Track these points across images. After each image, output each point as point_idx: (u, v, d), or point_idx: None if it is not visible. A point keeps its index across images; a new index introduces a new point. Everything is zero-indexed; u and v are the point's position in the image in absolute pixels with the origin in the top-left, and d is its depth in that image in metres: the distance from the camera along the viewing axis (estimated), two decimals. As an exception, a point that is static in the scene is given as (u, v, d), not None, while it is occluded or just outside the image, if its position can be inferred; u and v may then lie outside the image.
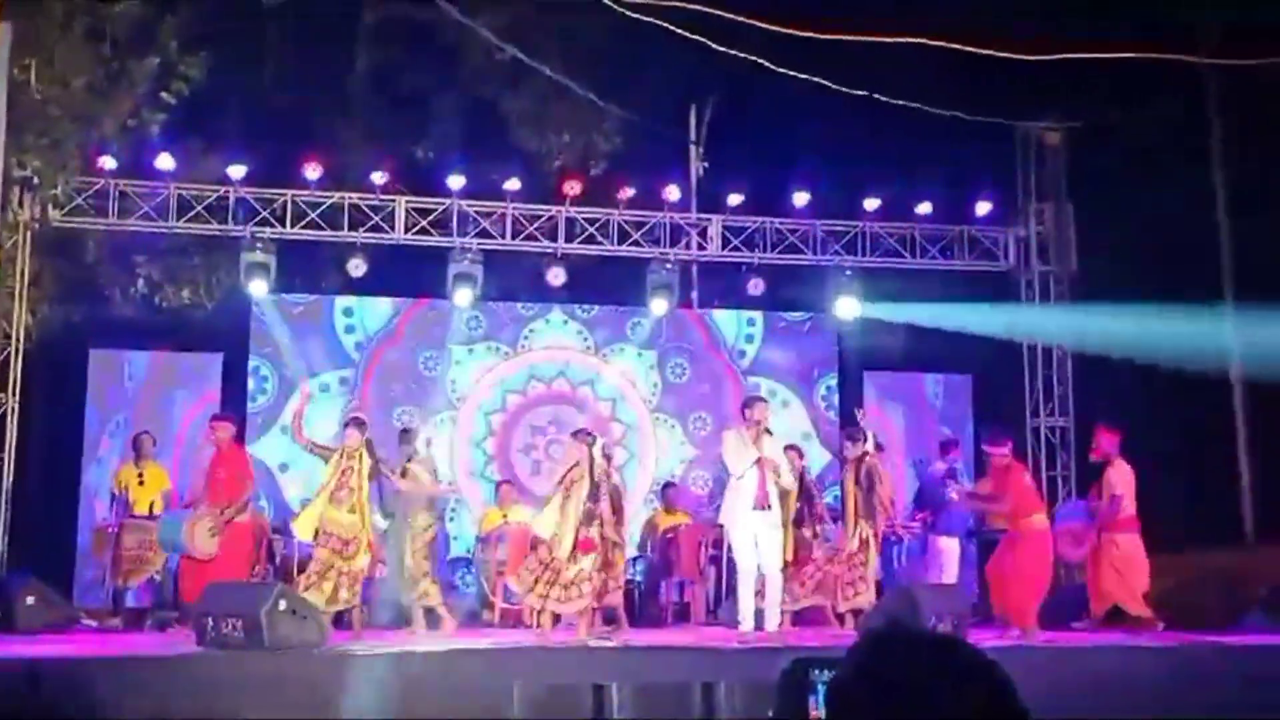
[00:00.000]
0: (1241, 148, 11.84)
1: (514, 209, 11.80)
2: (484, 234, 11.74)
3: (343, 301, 12.62)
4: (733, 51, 9.61)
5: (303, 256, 12.19)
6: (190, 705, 6.45)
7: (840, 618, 9.37)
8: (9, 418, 10.73)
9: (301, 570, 10.25)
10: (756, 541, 8.70)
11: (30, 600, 9.11)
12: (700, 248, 12.27)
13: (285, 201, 11.40)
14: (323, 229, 11.55)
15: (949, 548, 10.66)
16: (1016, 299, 12.55)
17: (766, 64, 9.81)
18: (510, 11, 13.74)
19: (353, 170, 12.06)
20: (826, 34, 9.42)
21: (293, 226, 11.43)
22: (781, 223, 12.16)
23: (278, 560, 10.78)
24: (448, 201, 11.69)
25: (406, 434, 10.29)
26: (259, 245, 11.28)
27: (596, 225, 11.94)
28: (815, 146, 12.31)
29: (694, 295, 13.80)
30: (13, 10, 9.33)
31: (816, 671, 2.11)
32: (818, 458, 12.03)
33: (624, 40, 12.69)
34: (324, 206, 11.48)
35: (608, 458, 9.18)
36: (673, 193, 11.99)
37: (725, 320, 13.24)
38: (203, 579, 8.63)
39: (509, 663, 7.50)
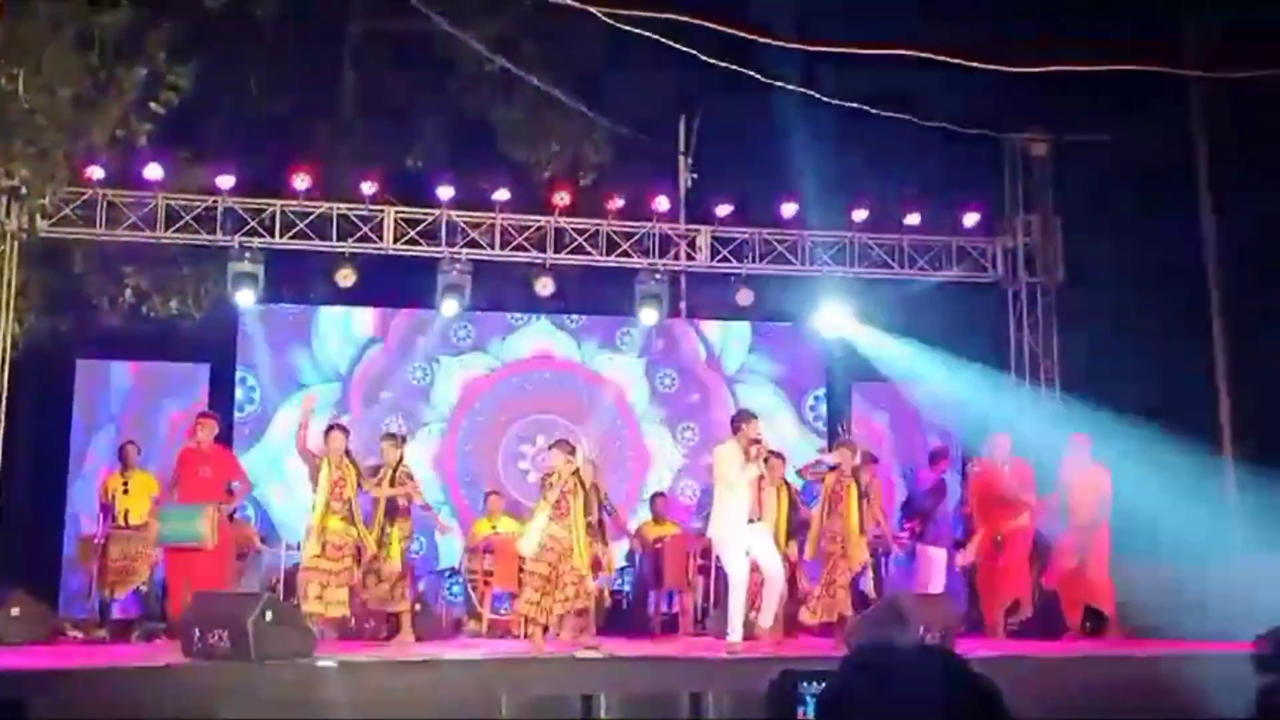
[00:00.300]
0: (1227, 159, 11.91)
1: (503, 219, 11.80)
2: (473, 244, 11.73)
3: (331, 311, 12.60)
4: (722, 63, 9.64)
5: (291, 266, 12.17)
6: (177, 716, 6.42)
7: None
8: (-5, 428, 10.68)
9: (288, 580, 10.26)
10: (750, 552, 8.71)
11: (15, 612, 9.05)
12: (689, 258, 12.28)
13: (274, 211, 11.37)
14: (311, 239, 11.53)
15: (937, 557, 10.68)
16: (1004, 310, 12.59)
17: (755, 75, 9.85)
18: (500, 23, 13.78)
19: (341, 180, 12.05)
20: (815, 46, 9.46)
21: (281, 236, 11.40)
22: (770, 233, 12.18)
23: (264, 570, 10.76)
24: (437, 212, 11.69)
25: (393, 439, 10.22)
26: (247, 255, 11.25)
27: (585, 235, 11.95)
28: (804, 158, 12.34)
29: (683, 305, 13.82)
30: (-1, 19, 9.33)
31: (805, 683, 2.12)
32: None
33: (613, 51, 12.76)
34: (312, 216, 11.46)
35: (592, 465, 9.23)
36: (662, 203, 12.00)
37: (714, 330, 13.25)
38: (195, 584, 8.66)
39: (497, 673, 7.49)
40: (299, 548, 10.65)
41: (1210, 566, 9.17)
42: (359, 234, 11.55)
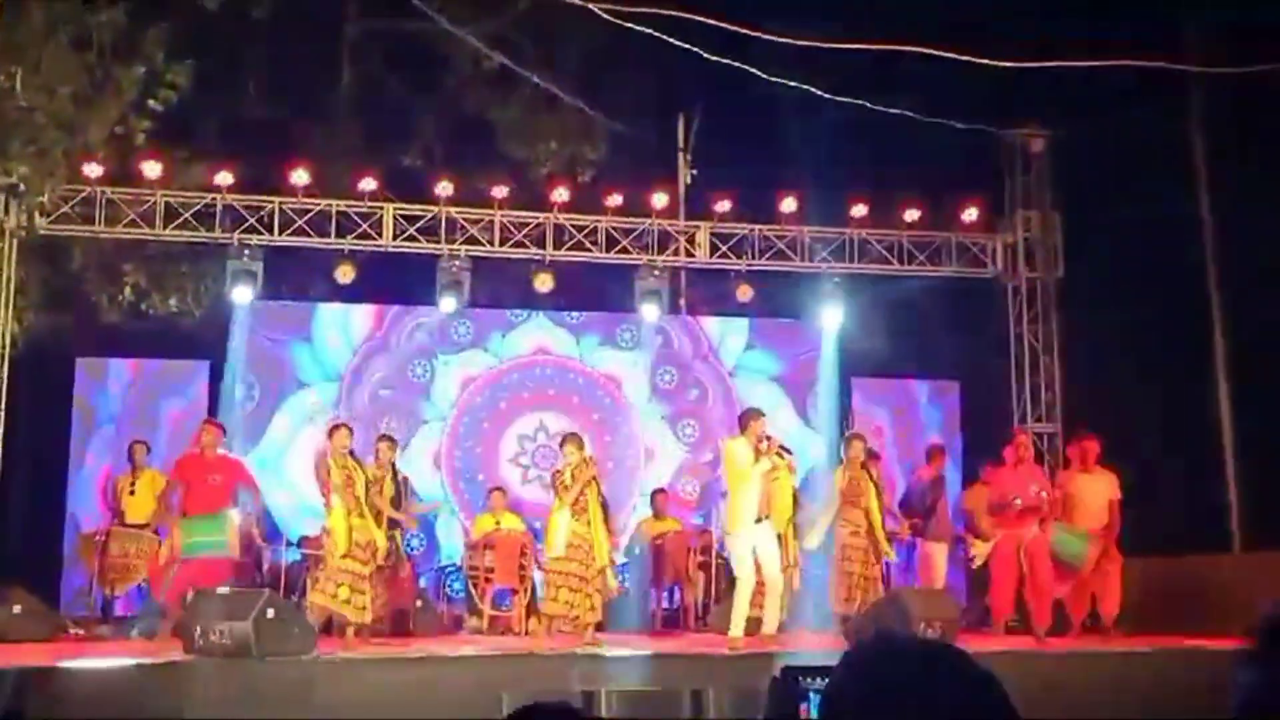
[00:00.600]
0: (1226, 153, 11.91)
1: (502, 216, 11.80)
2: (472, 241, 11.73)
3: (330, 309, 12.60)
4: (720, 59, 9.63)
5: (290, 264, 12.17)
6: (178, 713, 6.42)
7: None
8: (-6, 426, 10.68)
9: (288, 579, 10.27)
10: (755, 552, 8.71)
11: (16, 609, 9.06)
12: (688, 254, 12.28)
13: (272, 209, 11.37)
14: (310, 236, 11.53)
15: (937, 552, 10.68)
16: (1004, 305, 12.59)
17: (754, 71, 9.84)
18: (497, 20, 13.78)
19: (340, 177, 12.04)
20: (814, 41, 9.45)
21: (280, 234, 11.40)
22: (769, 229, 12.18)
23: (265, 569, 10.76)
24: (436, 209, 11.68)
25: (389, 440, 10.22)
26: (246, 252, 11.24)
27: (585, 232, 11.94)
28: (803, 153, 12.34)
29: (682, 302, 13.82)
30: (-2, 18, 9.32)
31: (806, 679, 2.11)
32: (805, 463, 12.01)
33: (612, 48, 12.75)
34: (311, 214, 11.46)
35: (593, 459, 9.26)
36: (661, 199, 12.00)
37: (713, 326, 13.25)
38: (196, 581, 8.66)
39: (498, 670, 7.49)
40: (299, 545, 10.69)
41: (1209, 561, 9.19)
42: (358, 231, 11.55)
